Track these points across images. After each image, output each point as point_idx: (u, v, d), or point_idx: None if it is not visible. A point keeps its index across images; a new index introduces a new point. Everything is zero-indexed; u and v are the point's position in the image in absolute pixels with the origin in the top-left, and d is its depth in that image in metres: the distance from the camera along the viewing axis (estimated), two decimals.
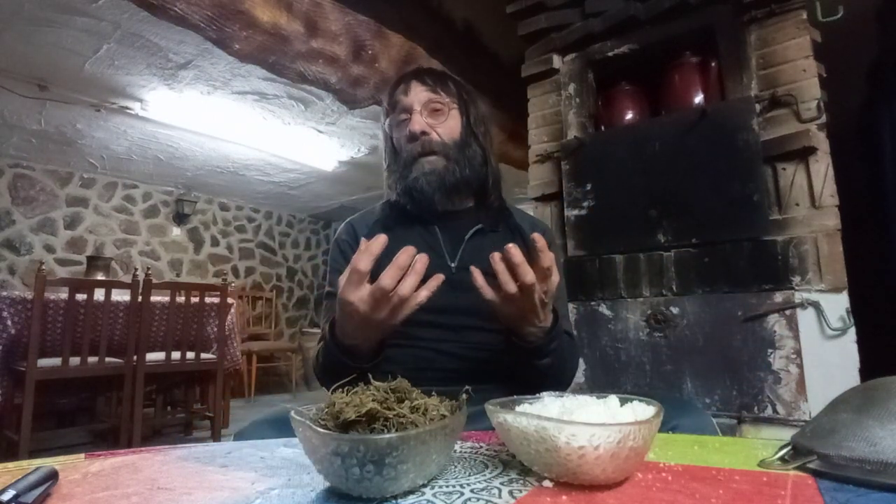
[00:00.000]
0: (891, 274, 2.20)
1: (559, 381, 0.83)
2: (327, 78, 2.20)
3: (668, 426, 0.61)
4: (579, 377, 1.79)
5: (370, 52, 2.20)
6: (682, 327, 1.63)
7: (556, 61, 2.05)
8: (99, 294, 2.33)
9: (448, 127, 0.92)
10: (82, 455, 0.51)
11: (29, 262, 3.80)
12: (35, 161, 3.87)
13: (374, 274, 0.88)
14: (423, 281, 0.66)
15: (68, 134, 3.46)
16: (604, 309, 1.78)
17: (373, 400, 0.41)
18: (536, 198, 2.05)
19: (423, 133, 0.90)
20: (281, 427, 0.67)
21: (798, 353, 1.45)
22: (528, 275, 0.64)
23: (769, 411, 1.47)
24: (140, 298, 2.45)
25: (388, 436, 0.37)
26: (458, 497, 0.38)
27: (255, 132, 3.56)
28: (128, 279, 2.47)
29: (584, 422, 0.39)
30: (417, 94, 0.92)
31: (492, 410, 0.44)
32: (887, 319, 2.07)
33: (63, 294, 2.28)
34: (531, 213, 1.14)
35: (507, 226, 0.97)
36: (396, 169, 0.94)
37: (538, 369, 0.77)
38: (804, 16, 1.58)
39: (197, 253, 4.87)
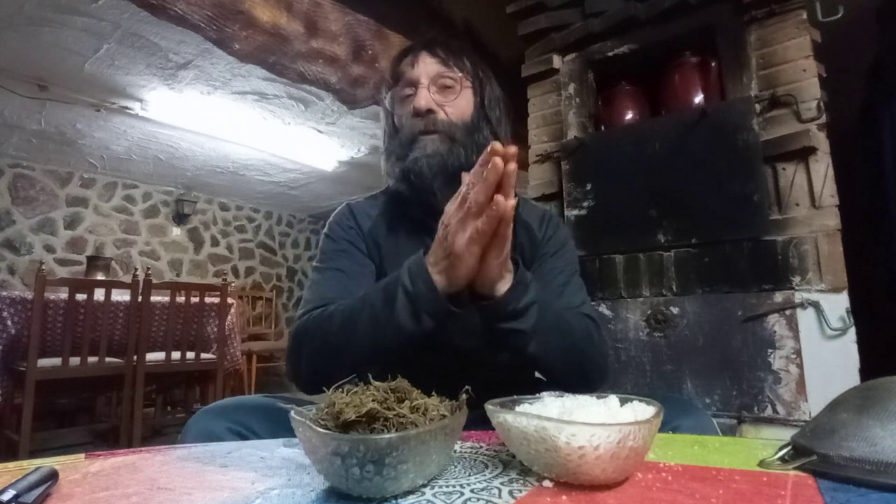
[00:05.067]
0: (891, 274, 2.20)
1: (573, 365, 0.71)
2: (327, 78, 2.20)
3: (668, 426, 0.61)
4: None
5: (370, 52, 2.20)
6: (682, 327, 1.62)
7: (556, 61, 2.05)
8: (99, 294, 2.33)
9: (458, 106, 0.82)
10: (82, 455, 0.51)
11: (29, 262, 3.80)
12: (35, 161, 3.87)
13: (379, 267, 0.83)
14: None
15: (68, 134, 3.46)
16: (604, 309, 1.78)
17: (373, 400, 0.41)
18: (536, 198, 2.05)
19: (429, 111, 0.80)
20: (223, 414, 0.65)
21: (798, 353, 1.45)
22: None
23: (769, 411, 1.47)
24: (140, 298, 2.45)
25: (388, 436, 0.37)
26: (458, 497, 0.38)
27: (255, 132, 3.56)
28: (128, 279, 2.47)
29: (584, 422, 0.39)
30: (426, 67, 0.82)
31: (492, 410, 0.44)
32: (887, 319, 2.07)
33: (63, 294, 2.28)
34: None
35: (515, 225, 0.89)
36: (395, 150, 0.83)
37: (524, 334, 0.65)
38: (804, 16, 1.58)
39: (197, 253, 4.86)
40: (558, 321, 0.70)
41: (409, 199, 0.82)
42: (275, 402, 0.67)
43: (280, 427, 0.64)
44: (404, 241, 0.83)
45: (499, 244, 0.59)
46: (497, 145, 0.54)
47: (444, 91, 0.82)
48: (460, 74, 0.83)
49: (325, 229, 0.89)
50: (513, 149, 0.54)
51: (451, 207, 0.60)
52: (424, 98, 0.80)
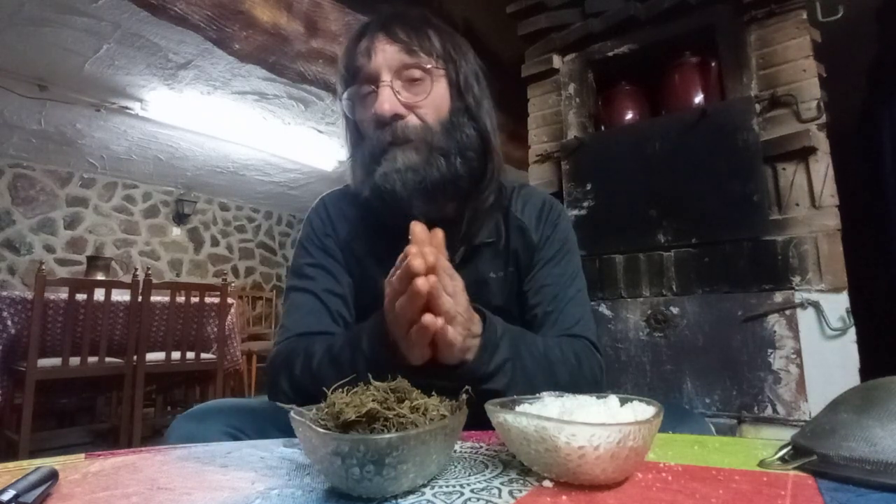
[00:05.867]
0: (891, 274, 2.20)
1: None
2: (327, 78, 2.20)
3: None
4: None
5: None
6: (682, 327, 1.62)
7: (556, 61, 2.05)
8: (99, 294, 2.33)
9: (432, 104, 0.67)
10: (82, 455, 0.51)
11: (29, 262, 3.80)
12: (35, 161, 3.87)
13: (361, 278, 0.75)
14: None
15: (68, 134, 3.46)
16: (604, 309, 1.78)
17: (373, 400, 0.41)
18: None
19: (396, 116, 0.66)
20: (205, 417, 0.64)
21: (798, 353, 1.45)
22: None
23: (769, 411, 1.47)
24: (140, 298, 2.45)
25: (388, 436, 0.37)
26: (458, 497, 0.38)
27: (255, 132, 3.56)
28: (128, 279, 2.47)
29: (584, 422, 0.39)
30: (386, 56, 0.66)
31: (492, 410, 0.44)
32: (887, 319, 2.07)
33: (63, 294, 2.28)
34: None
35: (507, 228, 0.76)
36: (362, 160, 0.70)
37: (500, 392, 0.58)
38: (804, 16, 1.58)
39: (197, 253, 4.86)
40: (538, 367, 0.62)
41: (388, 211, 0.70)
42: (256, 402, 0.67)
43: (266, 427, 0.64)
44: (386, 257, 0.73)
45: (447, 345, 0.54)
46: (416, 263, 0.47)
47: (412, 85, 0.67)
48: (430, 63, 0.67)
49: (301, 232, 0.79)
50: (431, 257, 0.48)
51: (389, 283, 0.53)
52: (389, 101, 0.65)
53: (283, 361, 0.67)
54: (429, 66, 0.67)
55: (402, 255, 0.51)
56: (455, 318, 0.53)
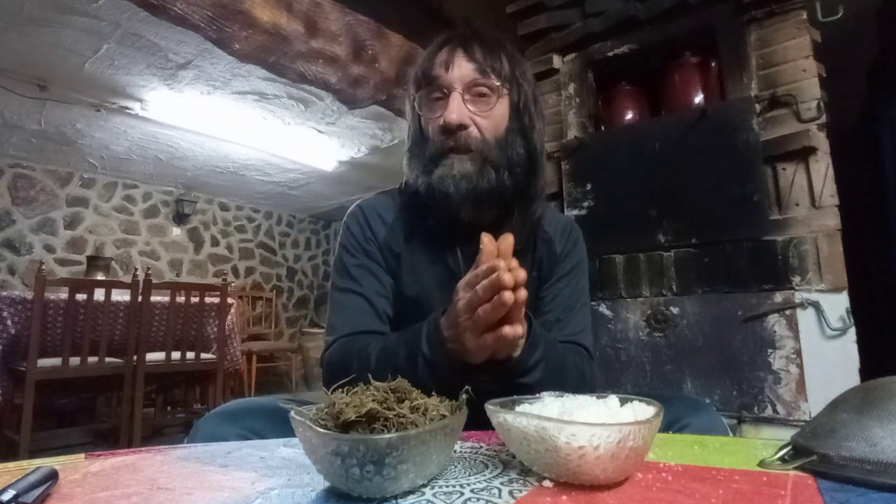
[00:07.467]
0: (891, 274, 2.20)
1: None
2: (327, 78, 2.20)
3: (679, 424, 0.62)
4: None
5: (370, 52, 2.20)
6: (682, 327, 1.62)
7: (556, 61, 2.05)
8: (99, 294, 2.33)
9: (493, 120, 0.75)
10: (82, 455, 0.51)
11: (29, 262, 3.79)
12: (35, 161, 3.87)
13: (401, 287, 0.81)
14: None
15: (68, 134, 3.46)
16: (604, 309, 1.78)
17: (373, 400, 0.41)
18: None
19: (461, 126, 0.73)
20: (231, 419, 0.65)
21: (798, 353, 1.45)
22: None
23: (769, 411, 1.47)
24: (140, 298, 2.44)
25: (388, 436, 0.37)
26: (458, 497, 0.38)
27: (255, 132, 3.55)
28: (128, 279, 2.47)
29: (584, 422, 0.39)
30: (461, 71, 0.74)
31: (492, 410, 0.44)
32: (887, 319, 2.07)
33: (63, 294, 2.28)
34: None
35: (536, 239, 0.83)
36: (421, 158, 0.77)
37: (529, 386, 0.64)
38: (804, 16, 1.58)
39: (197, 253, 4.86)
40: (559, 367, 0.70)
41: (430, 211, 0.78)
42: (279, 402, 0.67)
43: (290, 431, 0.64)
44: (422, 256, 0.80)
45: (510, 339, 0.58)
46: (506, 277, 0.51)
47: (478, 100, 0.75)
48: (497, 83, 0.75)
49: (341, 237, 0.85)
50: (521, 275, 0.53)
51: (464, 289, 0.57)
52: (457, 112, 0.72)
53: (339, 363, 0.71)
54: (496, 85, 0.75)
55: (484, 267, 0.54)
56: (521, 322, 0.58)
